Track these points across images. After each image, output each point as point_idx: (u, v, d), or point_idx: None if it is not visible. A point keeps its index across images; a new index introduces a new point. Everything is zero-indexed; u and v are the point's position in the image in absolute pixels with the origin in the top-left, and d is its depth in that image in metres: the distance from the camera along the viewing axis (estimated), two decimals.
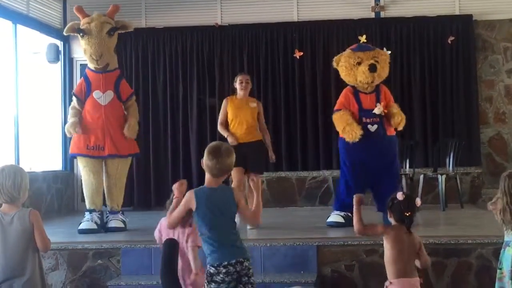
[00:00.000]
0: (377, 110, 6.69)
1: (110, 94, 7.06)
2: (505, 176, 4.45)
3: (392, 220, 4.44)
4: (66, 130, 7.08)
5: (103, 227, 6.97)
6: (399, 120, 6.72)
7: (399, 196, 4.37)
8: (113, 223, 6.98)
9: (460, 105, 9.53)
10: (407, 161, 8.85)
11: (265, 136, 7.30)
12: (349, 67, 6.86)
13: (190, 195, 4.07)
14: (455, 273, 5.69)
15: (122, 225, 7.02)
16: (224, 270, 3.96)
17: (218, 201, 4.03)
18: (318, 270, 5.77)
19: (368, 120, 6.70)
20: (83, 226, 6.88)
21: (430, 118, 9.56)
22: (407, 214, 4.35)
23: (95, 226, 6.87)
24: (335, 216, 6.86)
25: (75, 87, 9.99)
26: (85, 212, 7.03)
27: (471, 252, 5.68)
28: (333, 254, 5.82)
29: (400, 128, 6.84)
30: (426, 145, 9.51)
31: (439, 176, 8.45)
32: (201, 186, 4.13)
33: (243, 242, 4.17)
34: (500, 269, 4.51)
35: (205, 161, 4.05)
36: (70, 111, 7.15)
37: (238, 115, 7.08)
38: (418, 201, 4.45)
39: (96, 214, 6.97)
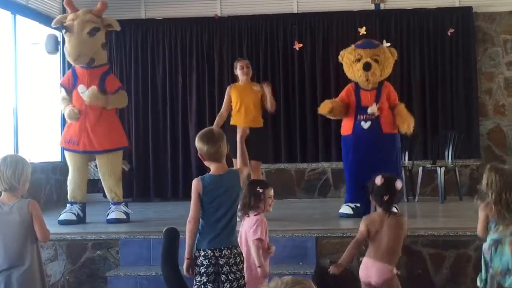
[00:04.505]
0: (369, 110, 6.79)
1: (93, 89, 6.89)
2: (491, 170, 4.46)
3: (375, 205, 4.50)
4: (67, 117, 6.96)
5: (83, 219, 6.99)
6: (402, 123, 6.75)
7: (378, 180, 4.41)
8: (114, 214, 6.95)
9: (460, 97, 9.52)
10: (406, 153, 8.85)
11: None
12: (349, 63, 6.99)
13: (197, 183, 4.08)
14: (454, 265, 5.71)
15: (123, 216, 6.98)
16: (202, 253, 4.02)
17: (225, 189, 4.06)
18: (317, 262, 5.78)
19: (362, 117, 6.83)
20: (62, 217, 6.91)
21: (430, 110, 9.55)
22: (385, 198, 4.38)
23: (74, 218, 6.89)
24: (345, 208, 6.91)
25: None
26: (67, 204, 7.06)
27: (470, 244, 5.69)
28: (332, 245, 5.83)
29: (408, 131, 6.81)
30: (425, 137, 9.50)
31: (438, 169, 8.46)
32: (207, 174, 4.14)
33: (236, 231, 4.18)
34: (491, 268, 4.47)
35: (205, 150, 4.05)
36: (62, 101, 7.05)
37: (242, 100, 7.04)
38: (398, 184, 4.47)
39: (77, 206, 6.98)
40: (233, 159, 5.91)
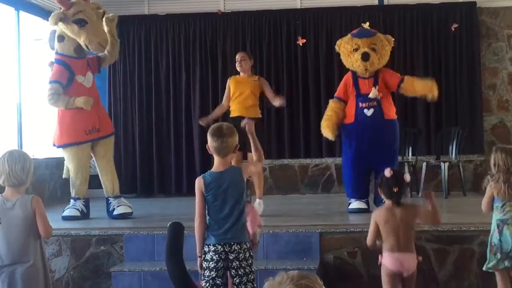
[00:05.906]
0: (371, 94, 6.85)
1: (89, 75, 7.05)
2: (497, 150, 4.51)
3: (383, 197, 4.54)
4: (84, 105, 6.81)
5: (86, 215, 6.99)
6: (425, 87, 6.84)
7: (387, 173, 4.50)
8: (122, 209, 6.95)
9: (463, 93, 9.51)
10: (410, 149, 8.85)
11: (275, 99, 7.15)
12: (346, 53, 7.03)
13: (199, 181, 4.11)
14: (458, 260, 5.71)
15: (129, 210, 7.01)
16: (213, 249, 4.04)
17: (227, 185, 4.07)
18: (321, 257, 5.79)
19: (364, 105, 6.85)
20: (66, 212, 6.92)
21: (433, 106, 9.50)
22: (395, 190, 4.42)
23: (78, 213, 6.90)
24: (358, 203, 6.88)
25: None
26: (71, 200, 7.05)
27: (474, 239, 5.70)
28: (336, 241, 5.84)
29: (434, 93, 6.83)
30: (429, 132, 9.49)
31: (442, 164, 8.45)
32: (209, 171, 4.17)
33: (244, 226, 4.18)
34: (498, 249, 4.49)
35: (211, 143, 4.09)
36: (60, 97, 6.83)
37: (239, 89, 7.08)
38: (407, 177, 4.57)
39: (80, 201, 6.98)
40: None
